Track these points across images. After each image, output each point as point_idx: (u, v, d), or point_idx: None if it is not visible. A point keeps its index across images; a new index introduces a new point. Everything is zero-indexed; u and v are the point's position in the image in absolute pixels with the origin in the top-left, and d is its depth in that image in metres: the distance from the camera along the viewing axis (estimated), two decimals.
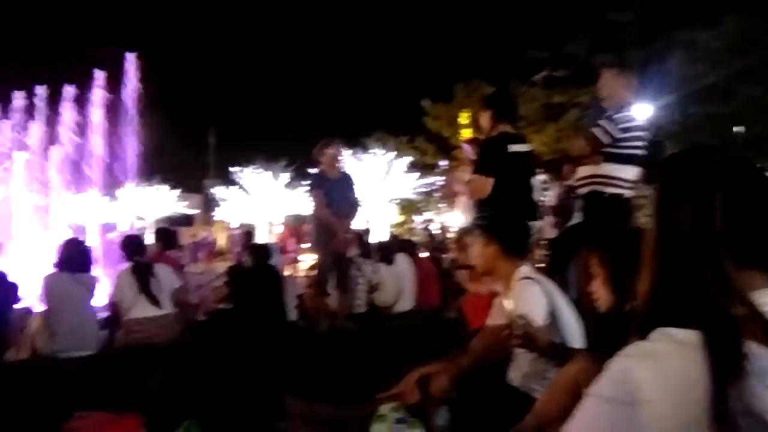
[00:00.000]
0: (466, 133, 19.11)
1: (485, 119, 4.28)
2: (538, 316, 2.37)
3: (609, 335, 1.54)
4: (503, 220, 2.85)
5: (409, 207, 29.89)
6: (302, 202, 31.10)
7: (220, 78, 42.06)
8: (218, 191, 32.64)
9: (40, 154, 10.93)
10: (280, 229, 28.87)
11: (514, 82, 21.32)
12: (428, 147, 27.61)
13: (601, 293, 1.84)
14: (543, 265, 4.74)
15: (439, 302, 6.74)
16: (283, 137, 30.81)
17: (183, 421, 1.93)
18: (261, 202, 31.36)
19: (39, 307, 4.81)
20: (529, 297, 2.47)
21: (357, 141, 27.17)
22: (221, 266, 20.62)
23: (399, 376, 2.67)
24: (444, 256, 8.96)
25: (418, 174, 28.49)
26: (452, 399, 2.42)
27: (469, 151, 5.36)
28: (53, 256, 4.88)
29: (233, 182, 31.80)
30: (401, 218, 30.26)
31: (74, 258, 4.72)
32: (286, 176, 31.75)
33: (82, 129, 10.79)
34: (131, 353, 4.26)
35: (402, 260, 6.85)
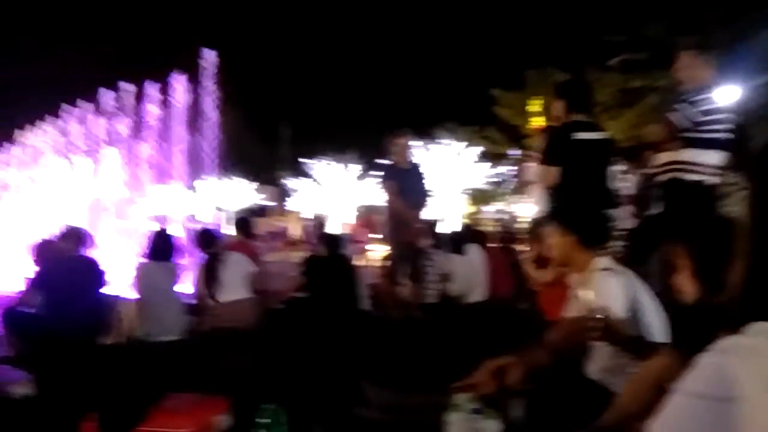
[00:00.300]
0: (538, 122, 18.66)
1: (558, 109, 4.20)
2: (618, 309, 2.31)
3: (695, 329, 1.49)
4: (579, 210, 2.79)
5: (480, 197, 29.56)
6: (373, 193, 31.46)
7: (293, 74, 42.95)
8: (291, 183, 33.44)
9: (126, 150, 11.58)
10: (352, 220, 29.26)
11: (588, 67, 20.60)
12: (499, 136, 27.17)
13: (686, 286, 1.78)
14: (621, 256, 4.60)
15: (511, 293, 6.66)
16: (355, 129, 31.18)
17: (266, 404, 2.02)
18: (333, 193, 31.89)
19: (129, 294, 5.13)
20: (609, 289, 2.41)
21: (427, 132, 27.08)
22: (294, 255, 21.20)
23: (472, 367, 2.67)
24: (515, 246, 8.83)
25: (489, 164, 28.12)
26: (528, 391, 2.40)
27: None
28: (142, 247, 5.20)
29: (306, 174, 32.49)
30: (472, 209, 29.98)
31: (161, 248, 5.01)
32: (357, 168, 32.12)
33: (165, 125, 11.35)
34: (213, 338, 4.47)
35: (474, 251, 6.81)
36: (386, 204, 6.17)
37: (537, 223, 4.25)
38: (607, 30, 21.07)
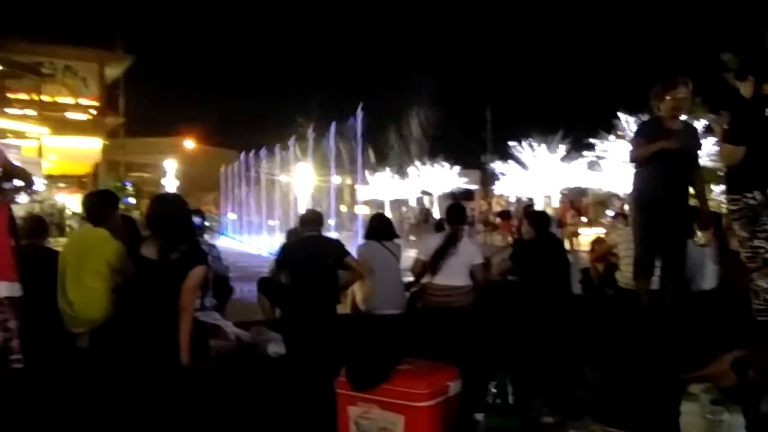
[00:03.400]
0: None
1: (747, 88, 3.74)
2: None
3: None
4: None
5: (708, 175, 26.57)
6: (579, 174, 30.09)
7: (494, 57, 42.57)
8: (496, 166, 33.36)
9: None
10: (557, 202, 28.32)
11: None
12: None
13: None
14: None
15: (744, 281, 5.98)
16: (560, 109, 30.06)
17: (496, 374, 2.16)
18: (538, 175, 31.14)
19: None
20: None
21: (642, 107, 25.03)
22: (499, 239, 21.27)
23: (704, 357, 2.53)
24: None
25: (714, 139, 25.15)
26: None
27: None
28: (361, 228, 5.70)
29: (510, 157, 32.17)
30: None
31: (380, 228, 5.48)
32: (562, 148, 30.97)
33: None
34: (433, 314, 4.77)
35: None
36: (640, 177, 4.57)
37: None
38: None
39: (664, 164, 4.32)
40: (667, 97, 4.45)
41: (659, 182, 4.39)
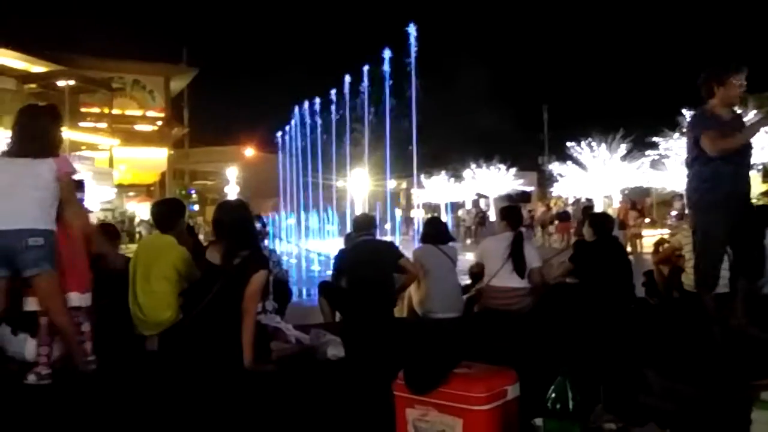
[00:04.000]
0: None
1: None
2: None
3: None
4: None
5: None
6: (640, 174, 29.14)
7: (551, 54, 41.78)
8: (554, 167, 32.71)
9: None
10: (618, 203, 27.49)
11: None
12: None
13: None
14: None
15: None
16: (620, 107, 29.22)
17: (555, 378, 2.13)
18: (597, 176, 30.35)
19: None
20: None
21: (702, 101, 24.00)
22: (557, 241, 20.83)
23: None
24: None
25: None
26: None
27: None
28: (420, 232, 5.72)
29: (568, 157, 31.48)
30: (764, 186, 25.81)
31: (436, 232, 5.48)
32: (623, 148, 30.09)
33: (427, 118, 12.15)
34: (491, 316, 4.73)
35: None
36: (700, 177, 4.10)
37: None
38: None
39: (731, 158, 3.95)
40: (734, 82, 4.02)
41: (727, 177, 3.97)
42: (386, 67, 15.78)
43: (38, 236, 3.21)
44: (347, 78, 19.15)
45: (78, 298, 3.54)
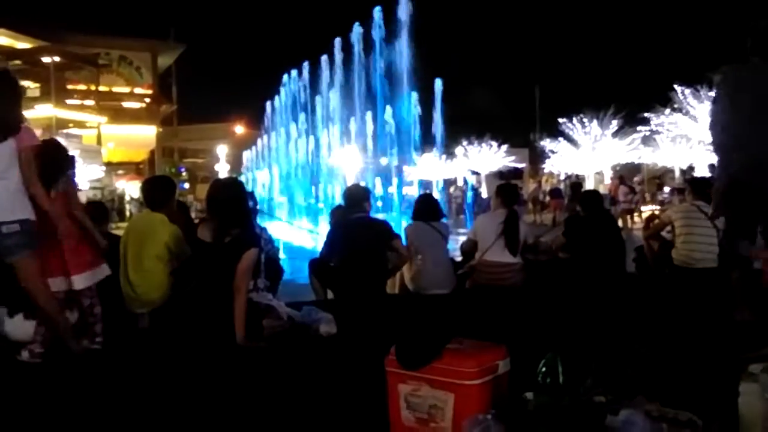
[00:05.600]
0: None
1: None
2: None
3: None
4: None
5: None
6: (633, 150, 29.19)
7: (541, 31, 41.45)
8: (545, 144, 32.71)
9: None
10: (609, 179, 27.59)
11: None
12: None
13: None
14: None
15: None
16: (611, 83, 29.12)
17: (546, 353, 2.15)
18: (589, 152, 30.40)
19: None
20: None
21: (704, 77, 23.94)
22: (548, 217, 20.91)
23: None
24: None
25: None
26: None
27: None
28: (411, 209, 5.71)
29: (560, 134, 31.48)
30: None
31: (427, 209, 5.47)
32: (615, 124, 30.10)
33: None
34: (483, 292, 4.75)
35: None
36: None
37: None
38: None
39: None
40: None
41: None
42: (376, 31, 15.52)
43: (12, 224, 3.13)
44: (337, 45, 18.68)
45: (80, 280, 3.53)
